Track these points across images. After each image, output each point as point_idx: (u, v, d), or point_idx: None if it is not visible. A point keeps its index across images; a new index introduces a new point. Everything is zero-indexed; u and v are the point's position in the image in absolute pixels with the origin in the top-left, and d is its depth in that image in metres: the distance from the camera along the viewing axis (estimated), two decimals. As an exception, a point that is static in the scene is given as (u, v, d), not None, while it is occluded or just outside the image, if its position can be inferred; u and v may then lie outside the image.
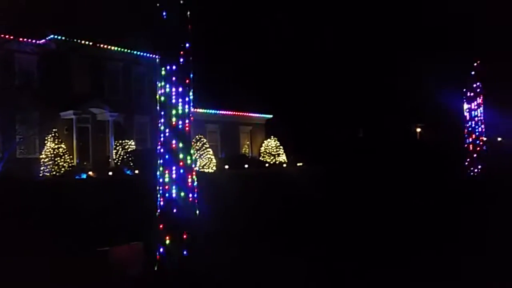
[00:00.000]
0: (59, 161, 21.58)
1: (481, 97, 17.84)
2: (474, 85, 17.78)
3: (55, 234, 9.94)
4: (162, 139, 7.75)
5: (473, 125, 17.68)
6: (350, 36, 41.54)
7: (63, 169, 21.56)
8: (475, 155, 17.55)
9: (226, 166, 28.90)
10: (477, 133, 17.92)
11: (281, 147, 33.53)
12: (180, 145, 7.64)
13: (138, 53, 27.28)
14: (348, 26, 41.42)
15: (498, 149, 31.18)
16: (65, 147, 22.26)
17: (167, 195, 7.51)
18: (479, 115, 17.64)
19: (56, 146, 21.82)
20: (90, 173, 21.99)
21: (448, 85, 23.72)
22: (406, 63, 36.51)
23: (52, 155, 21.57)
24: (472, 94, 17.71)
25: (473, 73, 17.77)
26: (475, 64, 17.60)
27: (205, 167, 26.85)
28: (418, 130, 47.45)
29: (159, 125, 7.84)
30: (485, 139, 19.20)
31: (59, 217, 11.39)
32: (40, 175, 21.45)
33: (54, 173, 21.27)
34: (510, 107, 34.67)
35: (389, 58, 39.95)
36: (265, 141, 34.20)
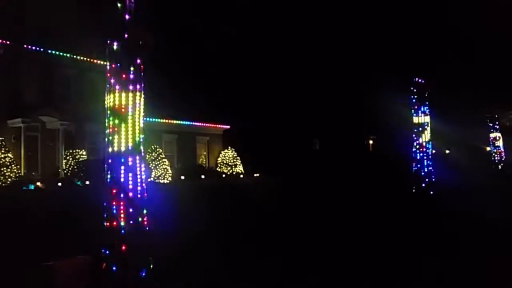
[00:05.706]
0: (5, 171, 20.69)
1: (428, 108, 18.26)
2: (418, 94, 18.13)
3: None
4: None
5: (419, 137, 17.99)
6: (306, 49, 42.39)
7: (9, 179, 20.67)
8: (421, 168, 17.94)
9: (182, 177, 28.60)
10: (425, 147, 18.36)
11: (238, 157, 33.57)
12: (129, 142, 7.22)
13: (91, 60, 26.57)
14: (305, 39, 42.27)
15: (446, 161, 32.44)
16: (12, 157, 21.34)
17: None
18: (425, 127, 18.02)
19: (2, 156, 20.90)
20: (39, 184, 21.15)
21: (398, 97, 24.51)
22: (358, 75, 37.68)
23: (-2, 165, 20.65)
24: (418, 105, 18.06)
25: (419, 79, 18.14)
26: (418, 80, 17.99)
27: (160, 178, 26.47)
28: (371, 142, 48.83)
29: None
30: (434, 151, 19.75)
31: None
32: (-16, 185, 20.46)
33: (-1, 183, 20.37)
34: (457, 120, 36.35)
35: (341, 70, 41.05)
36: (222, 152, 34.14)
